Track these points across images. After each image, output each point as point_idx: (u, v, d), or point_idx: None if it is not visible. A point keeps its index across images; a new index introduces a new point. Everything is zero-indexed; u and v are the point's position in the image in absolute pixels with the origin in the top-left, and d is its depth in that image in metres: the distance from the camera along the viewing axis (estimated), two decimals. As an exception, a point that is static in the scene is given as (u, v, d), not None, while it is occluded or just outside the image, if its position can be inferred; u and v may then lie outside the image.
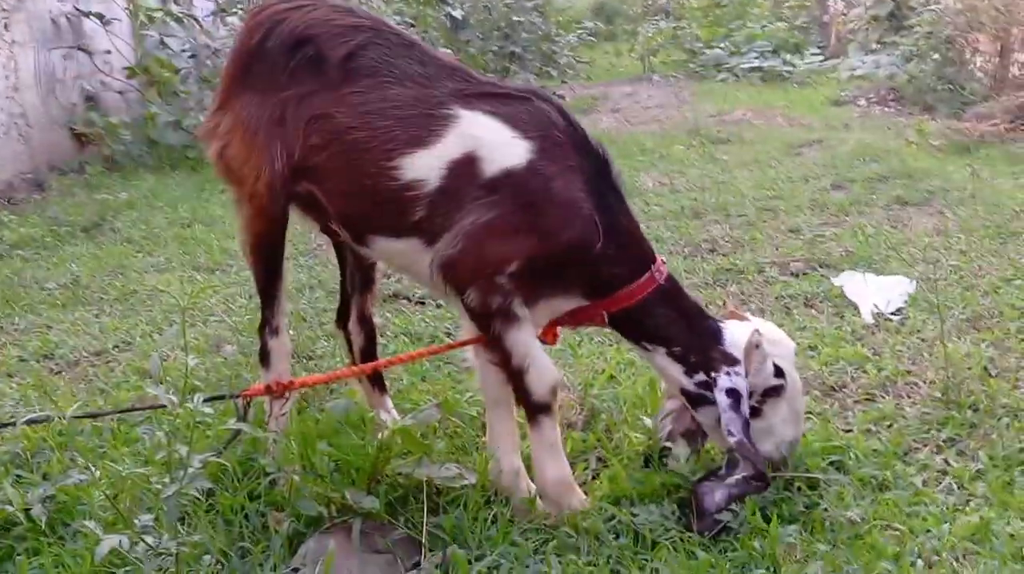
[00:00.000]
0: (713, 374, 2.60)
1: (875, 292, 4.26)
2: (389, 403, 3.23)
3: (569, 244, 2.52)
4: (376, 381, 3.21)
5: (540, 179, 2.51)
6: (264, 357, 2.91)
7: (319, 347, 4.07)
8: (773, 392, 2.62)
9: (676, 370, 2.66)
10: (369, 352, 3.19)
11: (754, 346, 2.59)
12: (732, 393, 2.56)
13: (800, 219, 5.69)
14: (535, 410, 2.60)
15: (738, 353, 2.60)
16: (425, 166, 2.53)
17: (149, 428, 3.17)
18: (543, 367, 2.58)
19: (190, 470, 2.10)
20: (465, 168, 2.52)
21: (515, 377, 2.58)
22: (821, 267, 4.80)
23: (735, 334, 2.63)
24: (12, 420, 2.98)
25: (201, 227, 6.26)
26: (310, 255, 5.43)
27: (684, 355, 2.64)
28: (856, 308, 4.18)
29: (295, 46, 2.69)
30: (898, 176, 6.63)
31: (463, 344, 2.87)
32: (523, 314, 2.54)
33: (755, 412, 2.62)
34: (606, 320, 2.66)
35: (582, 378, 3.45)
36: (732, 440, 2.54)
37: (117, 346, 4.19)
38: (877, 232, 5.32)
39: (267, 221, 2.76)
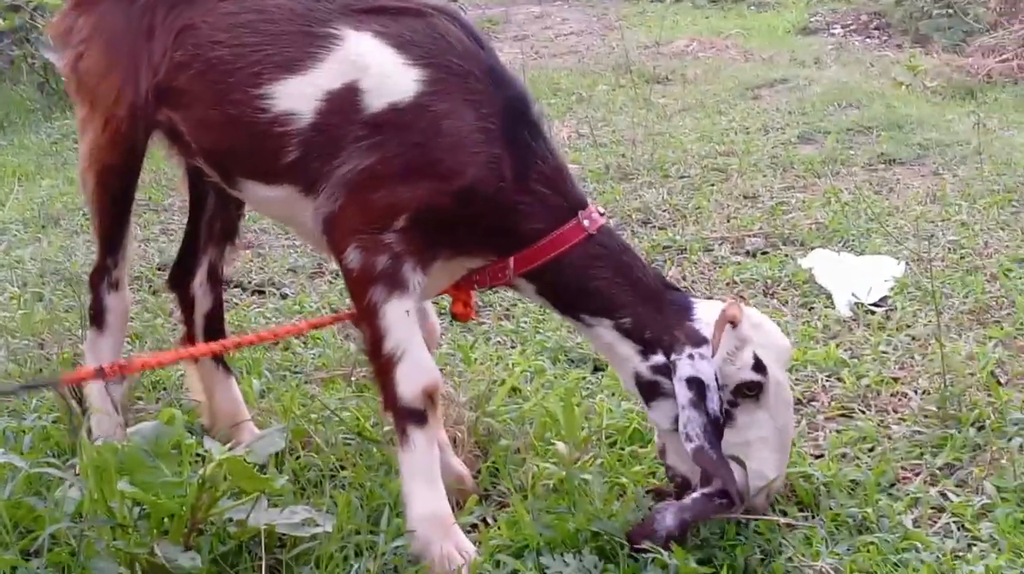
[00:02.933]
0: (674, 357, 2.64)
1: (853, 277, 4.33)
2: (236, 391, 3.28)
3: (463, 192, 2.60)
4: (220, 358, 3.25)
5: (430, 115, 2.61)
6: (97, 315, 3.07)
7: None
8: (748, 390, 2.64)
9: (627, 349, 2.71)
10: (215, 321, 3.26)
11: (727, 321, 2.62)
12: (695, 383, 2.60)
13: (758, 182, 5.78)
14: (402, 418, 2.64)
15: (708, 332, 2.64)
16: (298, 96, 2.64)
17: None
18: (419, 361, 2.64)
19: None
20: (345, 102, 2.62)
21: (383, 368, 2.64)
22: (785, 244, 4.88)
23: (709, 311, 2.68)
24: None
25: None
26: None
27: (636, 328, 2.69)
28: (829, 297, 4.26)
29: None
30: (883, 127, 6.78)
31: (345, 318, 3.03)
32: (412, 283, 2.63)
33: (724, 416, 2.65)
34: (509, 277, 2.72)
35: (475, 390, 3.44)
36: (690, 446, 2.58)
37: None
38: (856, 199, 5.43)
39: (122, 152, 2.93)
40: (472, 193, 2.61)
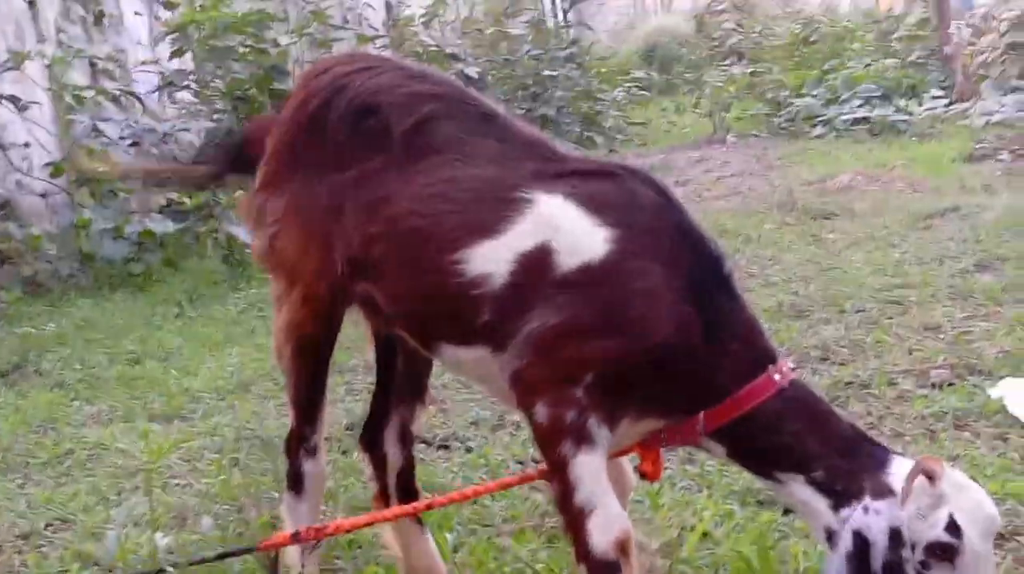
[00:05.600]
0: (853, 504, 2.54)
1: (1047, 404, 4.22)
2: (431, 545, 3.31)
3: (651, 350, 2.62)
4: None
5: (620, 274, 2.64)
6: (295, 481, 3.17)
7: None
8: (941, 553, 2.47)
9: (819, 503, 2.61)
10: (407, 479, 3.33)
11: (920, 472, 2.49)
12: (858, 537, 2.50)
13: (938, 313, 5.68)
14: (596, 570, 2.63)
15: (898, 486, 2.52)
16: (492, 259, 2.70)
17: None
18: (610, 513, 2.63)
19: None
20: (537, 262, 2.67)
21: (574, 520, 2.64)
22: (972, 374, 4.77)
23: (907, 467, 2.55)
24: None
25: (153, 363, 6.32)
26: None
27: (828, 481, 2.60)
28: (1024, 426, 4.15)
29: (358, 117, 2.95)
30: (1063, 250, 6.63)
31: (533, 478, 3.08)
32: (600, 437, 2.63)
33: None
34: (702, 433, 2.69)
35: (666, 537, 3.42)
36: None
37: (51, 525, 4.20)
38: (1042, 324, 5.30)
39: (321, 325, 3.05)
40: (661, 352, 2.62)
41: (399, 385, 3.29)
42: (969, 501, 2.52)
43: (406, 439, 3.32)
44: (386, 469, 3.32)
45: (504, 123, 2.92)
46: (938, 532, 2.47)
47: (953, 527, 2.47)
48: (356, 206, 2.89)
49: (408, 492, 3.30)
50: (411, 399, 3.30)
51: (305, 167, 3.03)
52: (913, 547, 2.49)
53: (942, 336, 5.32)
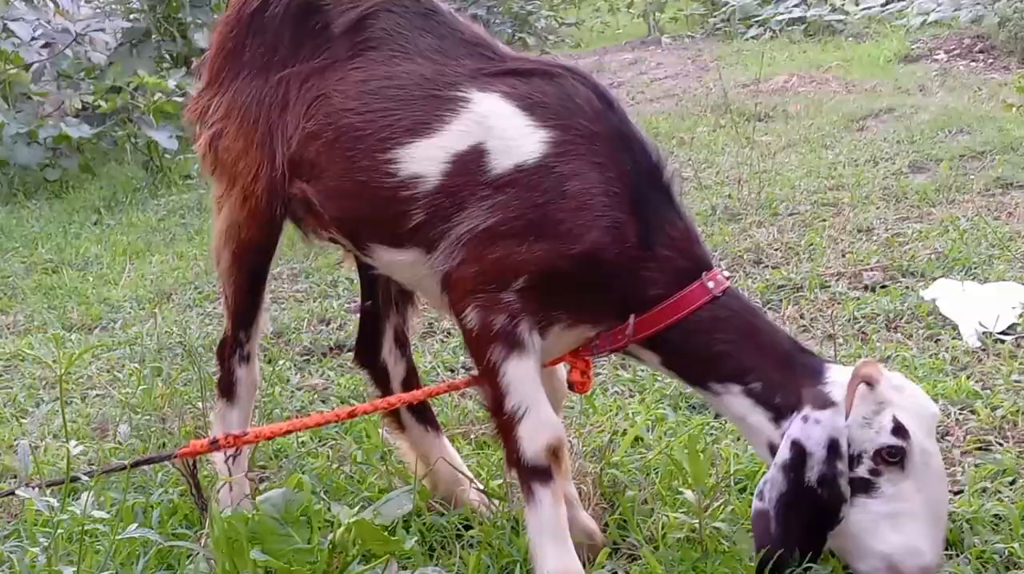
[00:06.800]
0: (792, 416, 2.56)
1: (979, 305, 4.26)
2: (450, 448, 3.29)
3: (583, 256, 2.60)
4: (423, 415, 3.27)
5: (554, 177, 2.62)
6: (228, 387, 3.15)
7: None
8: (890, 457, 2.51)
9: (759, 417, 2.63)
10: (413, 386, 3.30)
11: (861, 380, 2.53)
12: (795, 447, 2.52)
13: (871, 214, 5.72)
14: (527, 476, 2.65)
15: (837, 396, 2.55)
16: (426, 159, 2.69)
17: (17, 545, 3.13)
18: (541, 418, 2.64)
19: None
20: (471, 163, 2.66)
21: (505, 426, 2.66)
22: (904, 276, 4.82)
23: (843, 375, 2.58)
24: None
25: (71, 272, 6.24)
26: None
27: (765, 392, 2.62)
28: (955, 328, 4.19)
29: (300, 14, 2.93)
30: (997, 150, 6.68)
31: (461, 386, 3.08)
32: (530, 343, 2.64)
33: (865, 485, 2.53)
34: (628, 338, 2.68)
35: (597, 442, 3.44)
36: (757, 504, 2.54)
37: (-34, 437, 4.15)
38: (974, 226, 5.35)
39: (260, 228, 3.00)
40: (593, 257, 2.61)
41: (387, 292, 3.25)
42: (910, 400, 2.56)
43: (403, 345, 3.30)
44: (389, 381, 3.30)
45: (446, 20, 2.88)
46: (885, 437, 2.51)
47: (899, 430, 2.50)
48: (298, 103, 2.87)
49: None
50: (403, 304, 3.27)
51: (247, 66, 2.99)
52: (860, 456, 2.52)
53: (875, 238, 5.37)
